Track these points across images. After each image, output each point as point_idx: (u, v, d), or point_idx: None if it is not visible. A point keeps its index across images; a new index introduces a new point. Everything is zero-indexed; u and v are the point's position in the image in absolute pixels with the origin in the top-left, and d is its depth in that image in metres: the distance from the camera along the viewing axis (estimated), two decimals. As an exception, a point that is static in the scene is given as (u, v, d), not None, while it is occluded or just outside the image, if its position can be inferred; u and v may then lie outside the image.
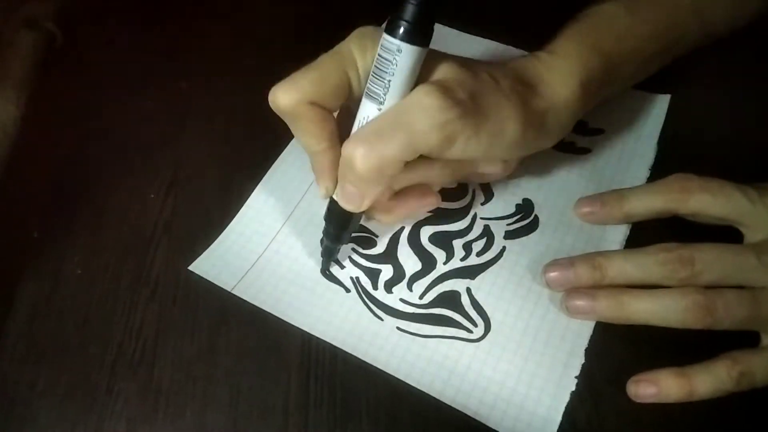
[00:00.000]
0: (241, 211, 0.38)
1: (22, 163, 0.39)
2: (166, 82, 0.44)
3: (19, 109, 0.40)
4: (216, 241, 0.36)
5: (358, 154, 0.28)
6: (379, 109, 0.29)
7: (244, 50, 0.46)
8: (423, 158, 0.30)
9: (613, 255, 0.33)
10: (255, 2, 0.49)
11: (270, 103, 0.31)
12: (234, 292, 0.35)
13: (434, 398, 0.31)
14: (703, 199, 0.32)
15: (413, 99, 0.29)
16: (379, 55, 0.28)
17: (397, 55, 0.28)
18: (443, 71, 0.30)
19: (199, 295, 0.35)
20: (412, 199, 0.34)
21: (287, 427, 0.31)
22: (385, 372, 0.32)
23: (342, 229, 0.33)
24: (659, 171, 0.38)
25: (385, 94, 0.29)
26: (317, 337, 0.33)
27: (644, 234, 0.35)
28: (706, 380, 0.30)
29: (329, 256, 0.35)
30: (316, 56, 0.31)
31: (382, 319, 0.34)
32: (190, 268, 0.36)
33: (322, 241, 0.35)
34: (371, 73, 0.29)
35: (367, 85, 0.30)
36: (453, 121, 0.29)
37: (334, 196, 0.32)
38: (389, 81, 0.28)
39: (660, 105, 0.41)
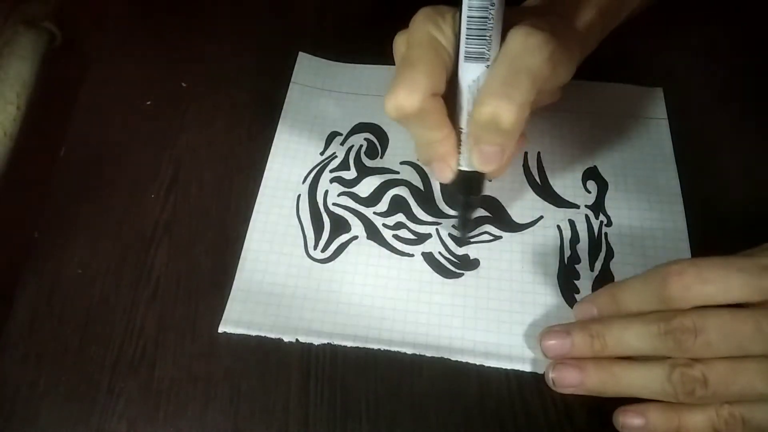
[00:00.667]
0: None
1: (22, 163, 0.39)
2: (166, 82, 0.44)
3: (19, 109, 0.40)
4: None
5: (502, 110, 0.29)
6: (487, 66, 0.30)
7: (244, 50, 0.46)
8: None
9: (611, 323, 0.31)
10: (255, 2, 0.49)
11: (392, 112, 0.30)
12: (291, 86, 0.42)
13: (434, 398, 0.32)
14: (704, 292, 0.29)
15: (517, 44, 0.30)
16: (469, 17, 0.29)
17: (491, 9, 0.29)
18: (514, 16, 0.31)
19: (199, 294, 0.35)
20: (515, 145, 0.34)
21: (287, 427, 0.31)
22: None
23: (477, 192, 0.35)
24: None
25: (489, 50, 0.30)
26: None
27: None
28: (696, 418, 0.29)
29: (467, 226, 0.37)
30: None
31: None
32: (300, 53, 0.43)
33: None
34: (465, 36, 0.30)
35: (465, 48, 0.30)
36: (556, 50, 0.30)
37: (465, 167, 0.33)
38: (489, 36, 0.30)
39: (656, 97, 0.42)
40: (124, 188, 0.39)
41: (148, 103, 0.43)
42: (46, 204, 0.39)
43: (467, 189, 0.34)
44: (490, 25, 0.30)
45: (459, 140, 0.32)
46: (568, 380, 0.31)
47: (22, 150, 0.39)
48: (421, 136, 0.32)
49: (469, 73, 0.31)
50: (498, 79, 0.30)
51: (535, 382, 0.32)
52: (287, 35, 0.47)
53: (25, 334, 0.34)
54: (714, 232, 0.36)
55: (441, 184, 0.38)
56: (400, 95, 0.30)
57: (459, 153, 0.33)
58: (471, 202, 0.36)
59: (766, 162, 0.39)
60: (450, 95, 0.32)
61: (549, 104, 0.37)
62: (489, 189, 0.38)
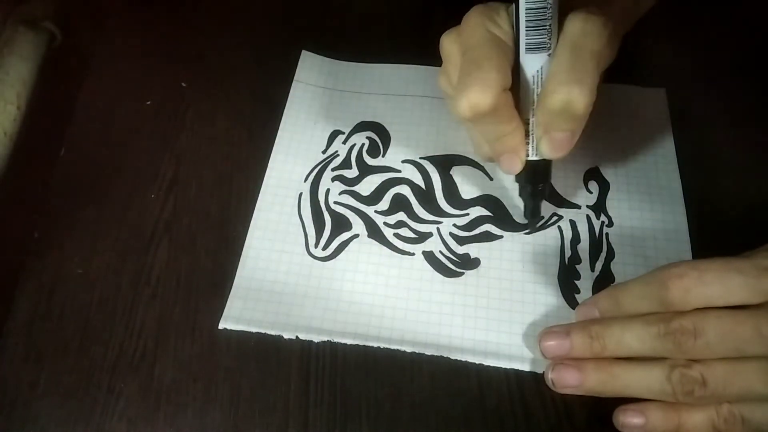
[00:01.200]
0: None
1: (22, 163, 0.39)
2: (166, 82, 0.44)
3: (19, 109, 0.40)
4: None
5: (574, 95, 0.29)
6: (549, 55, 0.31)
7: (244, 50, 0.46)
8: None
9: (610, 324, 0.31)
10: (255, 3, 0.49)
11: (466, 111, 0.30)
12: (293, 84, 0.42)
13: (434, 397, 0.32)
14: (704, 294, 0.29)
15: (577, 30, 0.30)
16: (528, 9, 0.30)
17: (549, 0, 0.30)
18: (564, 4, 0.31)
19: (199, 294, 0.35)
20: None
21: (287, 427, 0.31)
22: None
23: (546, 178, 0.35)
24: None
25: (549, 39, 0.31)
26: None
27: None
28: (696, 417, 0.29)
29: (536, 215, 0.36)
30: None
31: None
32: (303, 52, 0.43)
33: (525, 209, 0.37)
34: (525, 29, 0.31)
35: (526, 40, 0.31)
36: (612, 34, 0.31)
37: (534, 156, 0.33)
38: (549, 25, 0.31)
39: (658, 98, 0.42)
40: (124, 188, 0.39)
41: (148, 103, 0.43)
42: (46, 204, 0.39)
43: (535, 177, 0.34)
44: (549, 15, 0.30)
45: (526, 131, 0.33)
46: (568, 381, 0.31)
47: (22, 150, 0.39)
48: (493, 132, 0.33)
49: (532, 64, 0.31)
50: (565, 66, 0.30)
51: (535, 382, 0.32)
52: (288, 34, 0.47)
53: (25, 334, 0.34)
54: (715, 233, 0.36)
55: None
56: (473, 94, 0.30)
57: (527, 144, 0.33)
58: (541, 191, 0.35)
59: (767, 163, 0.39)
60: (514, 88, 0.32)
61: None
62: (489, 188, 0.39)
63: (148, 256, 0.37)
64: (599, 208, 0.38)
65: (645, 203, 0.38)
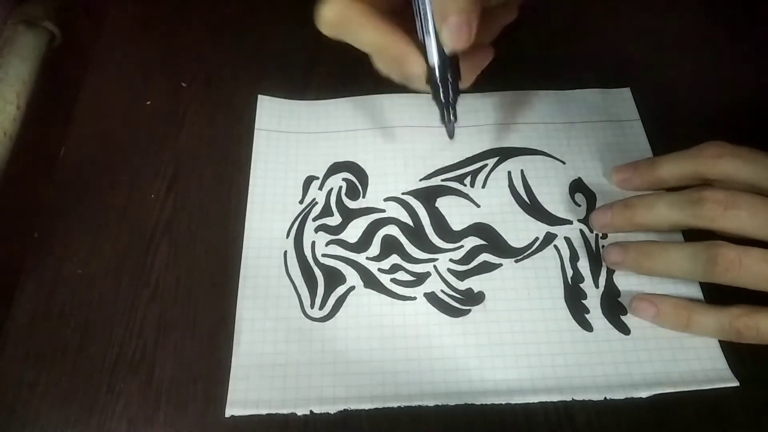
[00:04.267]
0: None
1: (22, 163, 0.39)
2: (166, 82, 0.44)
3: (19, 109, 0.40)
4: (291, 101, 0.39)
5: None
6: None
7: (244, 50, 0.46)
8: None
9: (646, 195, 0.35)
10: (254, 3, 0.49)
11: (321, 25, 0.32)
12: (255, 134, 0.40)
13: (433, 405, 0.31)
14: (734, 163, 0.33)
15: None
16: None
17: None
18: None
19: (199, 294, 0.35)
20: (480, 52, 0.34)
21: (287, 426, 0.31)
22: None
23: (456, 70, 0.33)
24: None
25: None
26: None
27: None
28: (706, 321, 0.31)
29: (454, 118, 0.35)
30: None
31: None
32: (260, 96, 0.41)
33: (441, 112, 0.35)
34: None
35: None
36: None
37: (434, 56, 0.32)
38: None
39: (625, 97, 0.42)
40: (124, 188, 0.39)
41: (148, 103, 0.43)
42: (46, 204, 0.39)
43: (443, 76, 0.33)
44: None
45: (417, 43, 0.32)
46: (613, 256, 0.35)
47: (22, 150, 0.39)
48: (361, 44, 0.32)
49: None
50: None
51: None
52: (286, 35, 0.47)
53: (25, 334, 0.34)
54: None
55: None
56: (323, 6, 0.31)
57: (421, 52, 0.32)
58: (449, 88, 0.33)
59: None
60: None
61: (507, 20, 0.35)
62: (478, 215, 0.38)
63: (148, 256, 0.37)
64: None
65: None
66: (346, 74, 0.43)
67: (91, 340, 0.34)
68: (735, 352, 0.32)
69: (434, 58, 0.32)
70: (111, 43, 0.47)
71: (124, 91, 0.44)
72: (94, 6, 0.48)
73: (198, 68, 0.45)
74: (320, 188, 0.39)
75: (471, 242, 0.37)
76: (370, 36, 0.32)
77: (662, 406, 0.31)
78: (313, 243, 0.37)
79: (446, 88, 0.33)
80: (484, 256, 0.36)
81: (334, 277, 0.35)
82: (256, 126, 0.41)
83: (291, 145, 0.41)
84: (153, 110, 0.43)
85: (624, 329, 0.33)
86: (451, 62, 0.33)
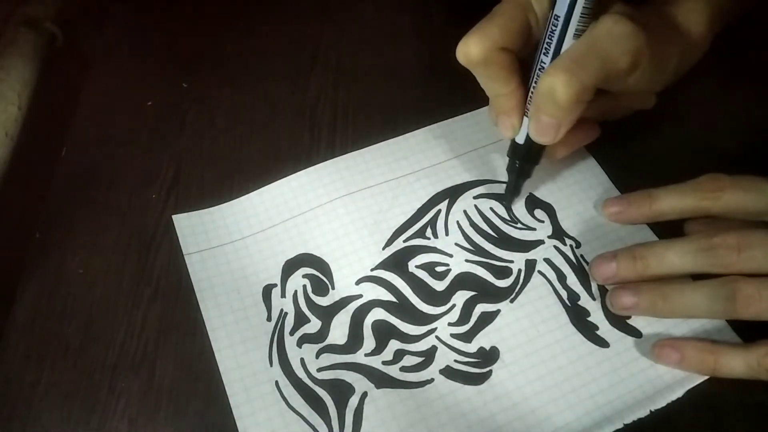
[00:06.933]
0: (249, 195, 0.37)
1: (22, 163, 0.39)
2: (166, 82, 0.44)
3: (20, 109, 0.40)
4: (210, 210, 0.37)
5: (560, 81, 0.29)
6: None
7: (244, 50, 0.46)
8: (598, 91, 0.31)
9: (653, 244, 0.33)
10: (254, 2, 0.49)
11: (461, 57, 0.32)
12: (186, 259, 0.36)
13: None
14: (736, 196, 0.32)
15: (603, 28, 0.30)
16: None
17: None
18: (613, 4, 0.31)
19: (200, 294, 0.35)
20: (581, 131, 0.36)
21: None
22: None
23: (533, 162, 0.35)
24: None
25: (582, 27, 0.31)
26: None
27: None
28: (734, 363, 0.30)
29: (516, 192, 0.37)
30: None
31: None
32: (174, 217, 0.37)
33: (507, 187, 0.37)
34: (580, 15, 0.30)
35: (576, 26, 0.31)
36: (642, 48, 0.30)
37: (528, 132, 0.33)
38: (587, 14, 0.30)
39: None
40: (124, 188, 0.39)
41: (149, 103, 0.43)
42: (47, 204, 0.39)
43: (524, 156, 0.35)
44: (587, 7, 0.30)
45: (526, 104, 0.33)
46: (623, 301, 0.33)
47: (23, 150, 0.39)
48: (486, 86, 0.34)
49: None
50: (570, 55, 0.30)
51: None
52: (286, 35, 0.47)
53: (25, 334, 0.34)
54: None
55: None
56: (470, 41, 0.32)
57: (525, 116, 0.34)
58: (525, 170, 0.36)
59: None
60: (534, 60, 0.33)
61: (645, 108, 0.37)
62: (457, 266, 0.35)
63: (148, 256, 0.37)
64: (559, 233, 0.36)
65: (588, 204, 0.37)
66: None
67: (92, 340, 0.34)
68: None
69: (522, 137, 0.34)
70: (111, 43, 0.47)
71: (124, 91, 0.44)
72: (94, 7, 0.48)
73: (198, 68, 0.45)
74: (283, 295, 0.34)
75: (461, 297, 0.34)
76: (496, 87, 0.33)
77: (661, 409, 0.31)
78: (302, 360, 0.32)
79: (521, 170, 0.36)
80: (480, 308, 0.34)
81: (340, 390, 0.31)
82: (184, 251, 0.36)
83: (231, 258, 0.36)
84: (153, 110, 0.43)
85: (635, 332, 0.33)
86: (533, 146, 0.34)
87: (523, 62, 0.33)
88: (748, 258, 0.30)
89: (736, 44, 0.39)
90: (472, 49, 0.31)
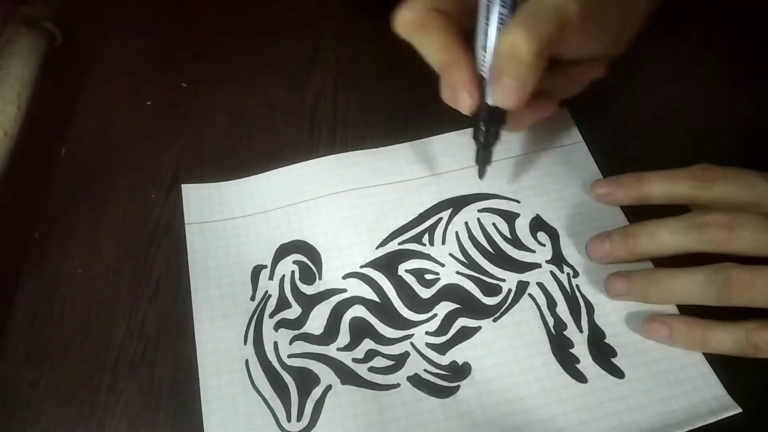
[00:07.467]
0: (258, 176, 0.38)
1: (22, 163, 0.39)
2: (166, 82, 0.44)
3: (19, 109, 0.40)
4: (219, 184, 0.38)
5: (521, 37, 0.29)
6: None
7: (244, 50, 0.46)
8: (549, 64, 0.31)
9: (646, 222, 0.33)
10: (255, 3, 0.49)
11: (398, 25, 0.32)
12: (186, 228, 0.36)
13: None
14: (726, 186, 0.32)
15: None
16: None
17: None
18: None
19: (199, 294, 0.35)
20: (535, 106, 0.34)
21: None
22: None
23: (499, 123, 0.33)
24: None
25: None
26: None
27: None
28: (722, 337, 0.30)
29: (486, 161, 0.35)
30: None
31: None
32: (183, 186, 0.38)
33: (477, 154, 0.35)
34: None
35: None
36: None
37: (489, 101, 0.32)
38: None
39: (565, 118, 0.41)
40: (124, 188, 0.39)
41: (148, 103, 0.43)
42: (46, 204, 0.39)
43: (488, 122, 0.33)
44: None
45: (480, 74, 0.32)
46: (617, 287, 0.33)
47: (23, 150, 0.39)
48: (429, 56, 0.32)
49: (495, 11, 0.31)
50: (522, 13, 0.30)
51: None
52: (286, 35, 0.46)
53: (25, 334, 0.34)
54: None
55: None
56: (403, 8, 0.31)
57: (482, 86, 0.32)
58: (491, 132, 0.34)
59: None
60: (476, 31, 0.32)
61: (596, 78, 0.36)
62: (446, 276, 0.35)
63: (148, 256, 0.37)
64: (559, 259, 0.35)
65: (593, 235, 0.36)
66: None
67: (92, 340, 0.34)
68: (735, 379, 0.31)
69: (487, 100, 0.32)
70: (111, 43, 0.47)
71: (124, 91, 0.44)
72: (94, 6, 0.48)
73: (198, 68, 0.45)
74: (271, 278, 0.35)
75: (444, 308, 0.34)
76: (438, 53, 0.32)
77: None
78: (276, 344, 0.32)
79: (488, 133, 0.34)
80: (461, 321, 0.33)
81: (306, 379, 0.31)
82: (186, 221, 0.37)
83: (228, 234, 0.36)
84: (153, 110, 0.43)
85: (618, 373, 0.31)
86: (498, 110, 0.33)
87: (464, 33, 0.32)
88: (738, 237, 0.30)
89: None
90: (407, 14, 0.31)
